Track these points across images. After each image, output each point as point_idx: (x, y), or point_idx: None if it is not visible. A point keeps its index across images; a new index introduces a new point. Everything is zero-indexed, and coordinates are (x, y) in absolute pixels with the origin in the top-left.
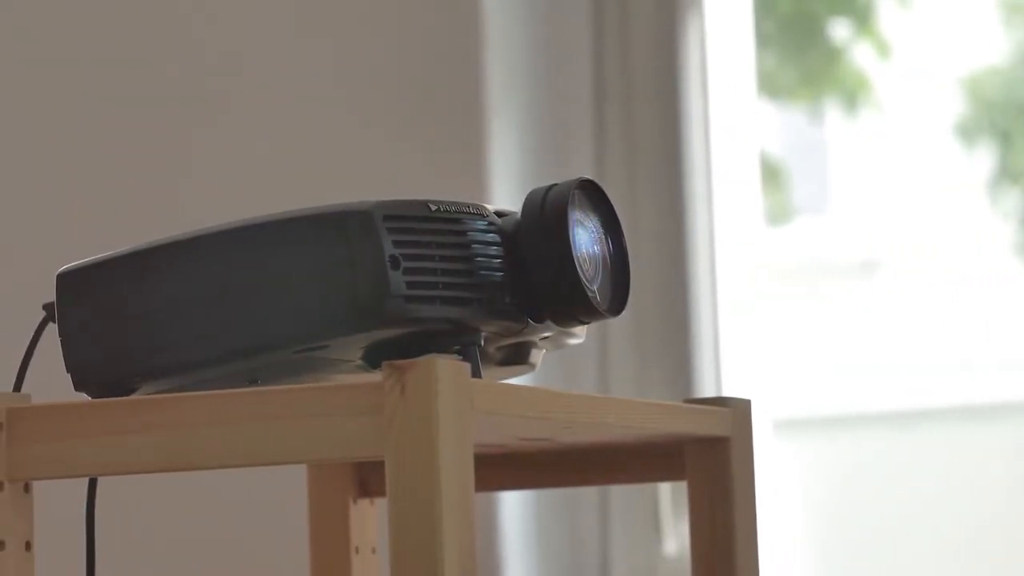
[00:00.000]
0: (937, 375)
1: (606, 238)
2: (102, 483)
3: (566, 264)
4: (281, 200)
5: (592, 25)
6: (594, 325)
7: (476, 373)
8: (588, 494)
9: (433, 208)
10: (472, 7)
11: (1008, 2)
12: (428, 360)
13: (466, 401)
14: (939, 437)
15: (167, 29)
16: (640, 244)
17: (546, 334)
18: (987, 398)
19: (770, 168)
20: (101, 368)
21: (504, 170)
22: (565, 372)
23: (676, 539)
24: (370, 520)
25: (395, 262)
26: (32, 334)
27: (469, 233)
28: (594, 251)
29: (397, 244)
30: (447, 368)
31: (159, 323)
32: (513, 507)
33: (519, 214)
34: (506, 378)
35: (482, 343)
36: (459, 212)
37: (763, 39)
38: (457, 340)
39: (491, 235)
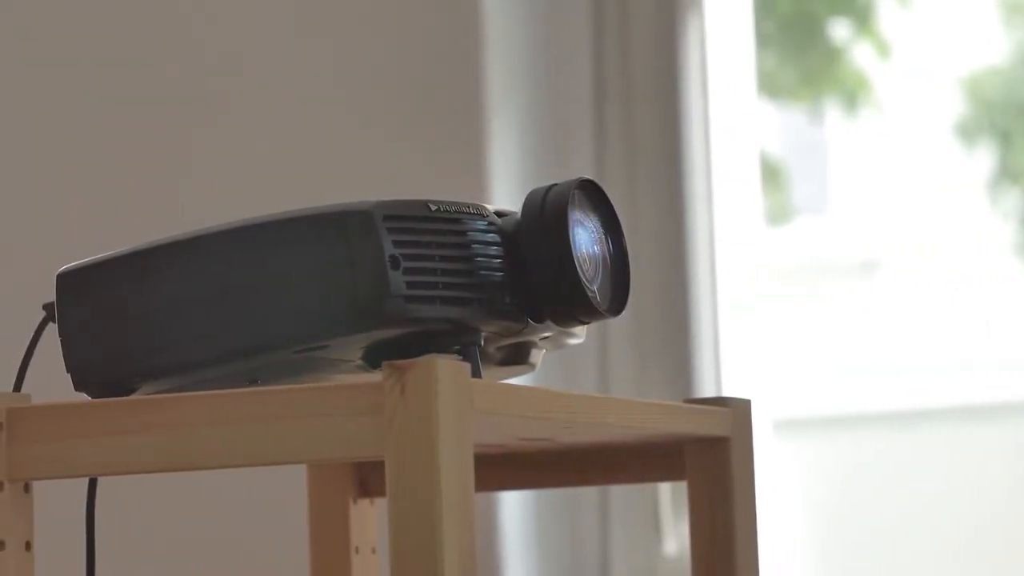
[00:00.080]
0: (937, 375)
1: (606, 238)
2: (102, 483)
3: (566, 264)
4: (281, 200)
5: (592, 25)
6: (594, 325)
7: (476, 373)
8: (588, 494)
9: (433, 208)
10: (472, 7)
11: (1008, 2)
12: (428, 360)
13: (466, 401)
14: (939, 437)
15: (167, 29)
16: (640, 244)
17: (546, 334)
18: (987, 398)
19: (770, 168)
20: (101, 368)
21: (504, 170)
22: (565, 372)
23: (676, 539)
24: (370, 520)
25: (395, 262)
26: (32, 334)
27: (469, 233)
28: (594, 251)
29: (397, 244)
30: (447, 368)
31: (159, 323)
32: (513, 507)
33: (519, 214)
34: (506, 378)
35: (482, 343)
36: (459, 212)
37: (763, 39)
38: (457, 340)
39: (491, 235)
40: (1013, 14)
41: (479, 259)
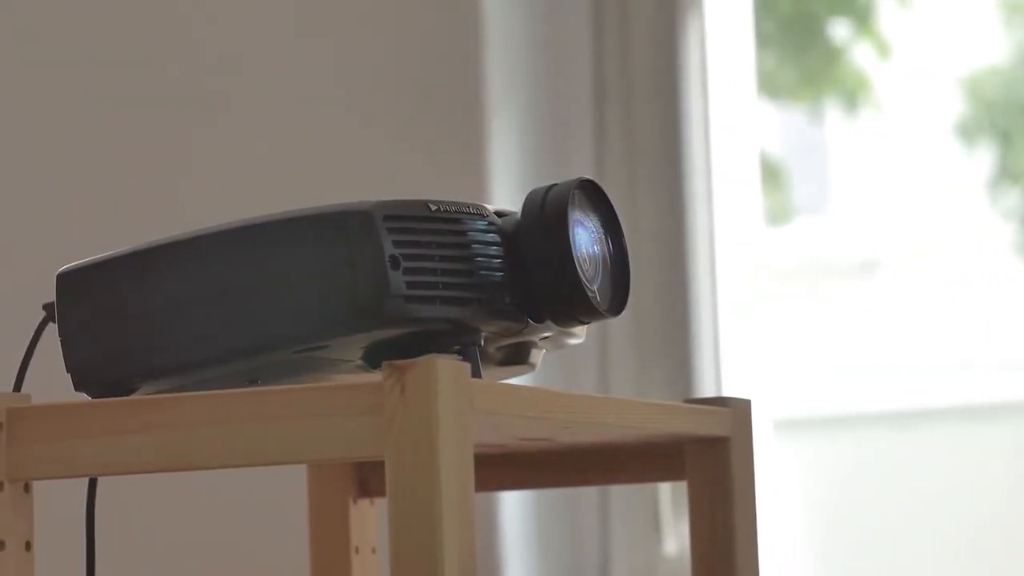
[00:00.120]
0: (937, 375)
1: (606, 238)
2: (102, 483)
3: (566, 264)
4: (281, 200)
5: (592, 25)
6: (594, 325)
7: (476, 373)
8: (588, 494)
9: (433, 208)
10: (472, 7)
11: (1008, 2)
12: (428, 360)
13: (466, 401)
14: (939, 437)
15: (167, 29)
16: (640, 244)
17: (546, 334)
18: (987, 398)
19: (770, 168)
20: (101, 368)
21: (504, 170)
22: (565, 372)
23: (676, 539)
24: (370, 520)
25: (395, 262)
26: (32, 334)
27: (469, 233)
28: (594, 251)
29: (397, 244)
30: (447, 368)
31: (159, 323)
32: (513, 507)
33: (519, 214)
34: (506, 378)
35: (482, 343)
36: (459, 212)
37: (763, 39)
38: (457, 340)
39: (491, 235)
40: (1013, 14)
41: (479, 259)
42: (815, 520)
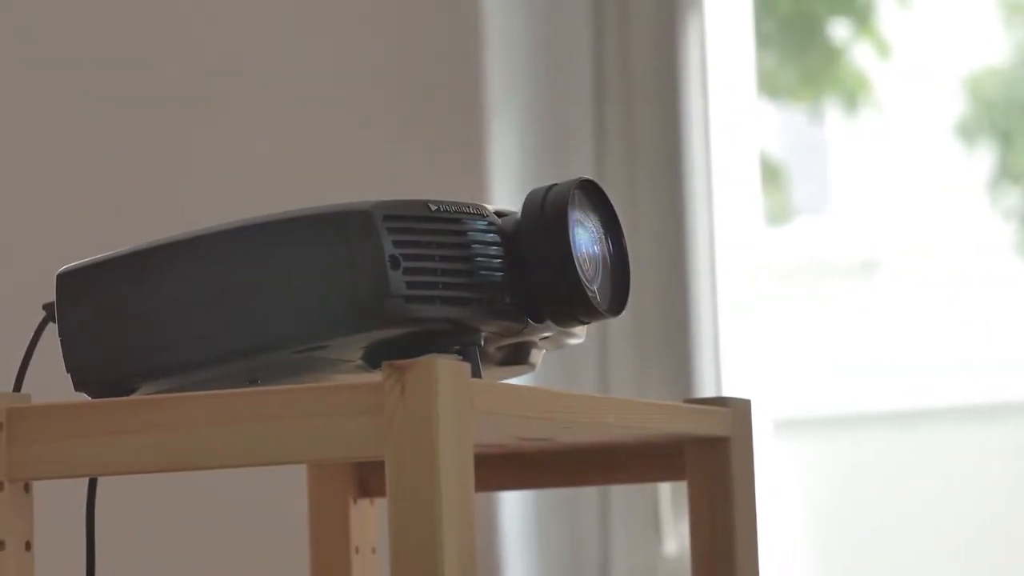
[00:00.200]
0: (937, 375)
1: (606, 238)
2: (102, 483)
3: (566, 264)
4: (281, 200)
5: (592, 25)
6: (594, 325)
7: (476, 373)
8: (588, 494)
9: (433, 208)
10: (472, 7)
11: (1008, 2)
12: (428, 360)
13: (466, 401)
14: (939, 437)
15: (167, 29)
16: (640, 244)
17: (546, 334)
18: (987, 398)
19: (770, 168)
20: (101, 368)
21: (504, 170)
22: (565, 372)
23: (676, 539)
24: (370, 520)
25: (395, 262)
26: (32, 334)
27: (469, 233)
28: (594, 251)
29: (397, 244)
30: (447, 368)
31: (159, 323)
32: (513, 507)
33: (519, 214)
34: (506, 378)
35: (482, 343)
36: (459, 212)
37: (763, 39)
38: (457, 340)
39: (491, 235)
40: (1013, 14)
41: (479, 259)
42: (815, 520)
